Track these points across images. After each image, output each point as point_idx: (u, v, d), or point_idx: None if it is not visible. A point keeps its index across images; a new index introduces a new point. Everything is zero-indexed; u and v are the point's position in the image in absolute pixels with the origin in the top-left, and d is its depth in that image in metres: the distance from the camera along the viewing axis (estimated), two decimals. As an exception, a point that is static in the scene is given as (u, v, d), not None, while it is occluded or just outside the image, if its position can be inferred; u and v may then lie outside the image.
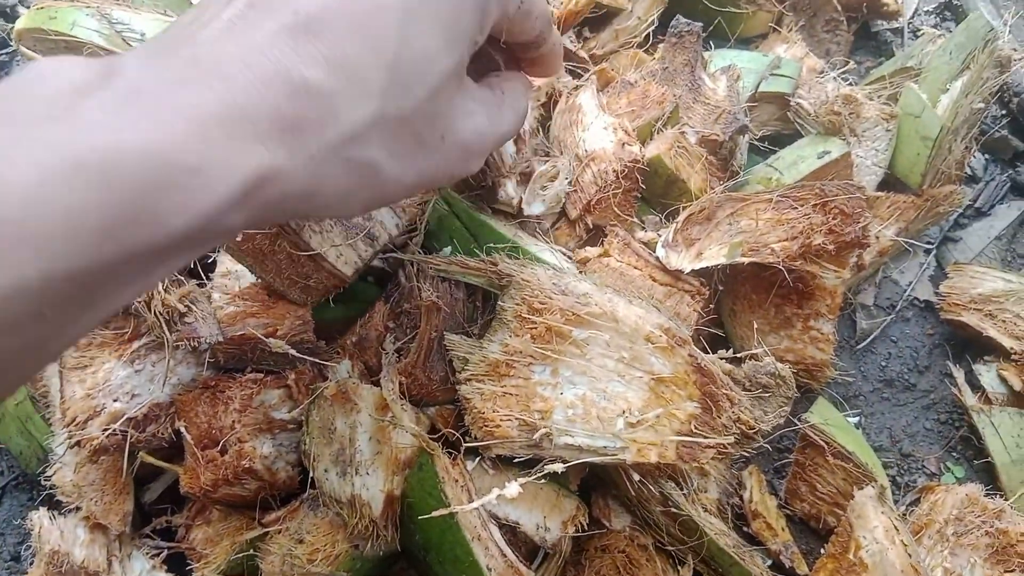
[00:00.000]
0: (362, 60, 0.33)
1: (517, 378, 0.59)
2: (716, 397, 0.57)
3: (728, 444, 0.56)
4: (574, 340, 0.59)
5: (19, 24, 0.66)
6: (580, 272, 0.66)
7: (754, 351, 0.63)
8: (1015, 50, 0.85)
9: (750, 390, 0.62)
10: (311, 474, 0.61)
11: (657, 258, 0.67)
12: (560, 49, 0.52)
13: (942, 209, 0.76)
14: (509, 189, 0.66)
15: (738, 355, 0.63)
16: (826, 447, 0.67)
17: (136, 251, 0.28)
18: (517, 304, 0.59)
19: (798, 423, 0.68)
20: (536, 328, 0.59)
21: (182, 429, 0.63)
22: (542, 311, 0.59)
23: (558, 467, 0.57)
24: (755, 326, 0.71)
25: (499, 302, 0.61)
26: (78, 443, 0.61)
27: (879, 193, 0.76)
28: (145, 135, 0.28)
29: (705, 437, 0.56)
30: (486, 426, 0.58)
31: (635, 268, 0.67)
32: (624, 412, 0.57)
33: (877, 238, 0.73)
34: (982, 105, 0.74)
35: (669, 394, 0.58)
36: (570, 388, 0.58)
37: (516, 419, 0.57)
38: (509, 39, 0.46)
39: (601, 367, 0.59)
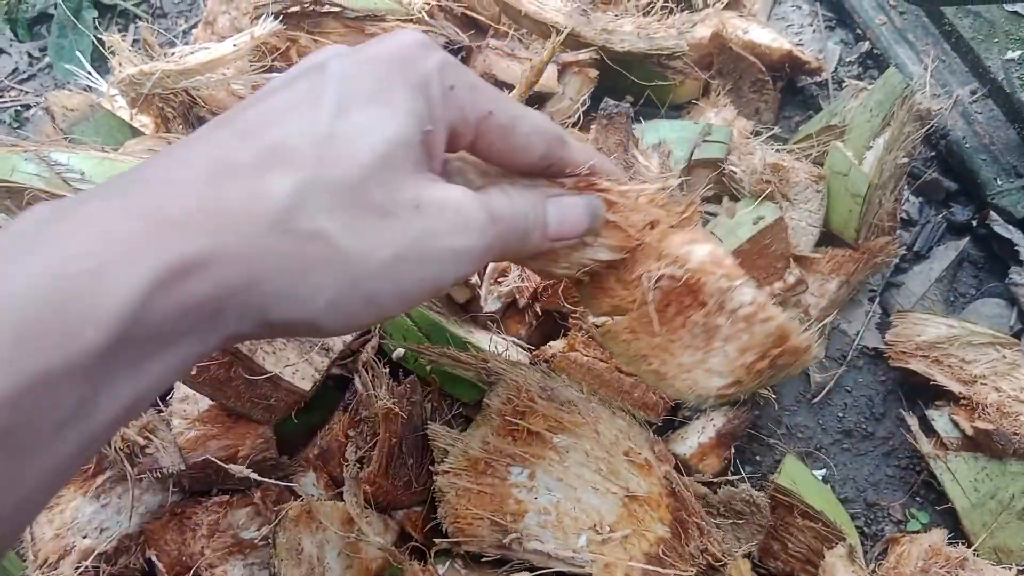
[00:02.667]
0: (290, 136, 0.32)
1: (494, 477, 0.60)
2: (687, 524, 0.58)
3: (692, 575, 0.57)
4: (554, 446, 0.60)
5: (-40, 171, 0.67)
6: (535, 363, 0.68)
7: (731, 478, 0.64)
8: (936, 96, 0.88)
9: (724, 515, 0.63)
10: (283, 596, 0.61)
11: None
12: (608, 172, 0.45)
13: (879, 260, 0.78)
14: (490, 304, 0.69)
15: (715, 480, 0.64)
16: (795, 507, 0.69)
17: (55, 369, 0.26)
18: (503, 403, 0.61)
19: (766, 484, 0.69)
20: (518, 430, 0.60)
21: (154, 558, 0.63)
22: (526, 413, 0.60)
23: None
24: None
25: (485, 399, 0.62)
26: (50, 587, 0.61)
27: (817, 253, 0.78)
28: (44, 256, 0.27)
29: (672, 564, 0.57)
30: (458, 522, 0.59)
31: (601, 361, 0.68)
32: (594, 526, 0.58)
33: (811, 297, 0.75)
34: (906, 160, 0.77)
35: (641, 513, 0.59)
36: (545, 494, 0.59)
37: (488, 519, 0.58)
38: (504, 162, 0.41)
39: (578, 476, 0.60)
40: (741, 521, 0.62)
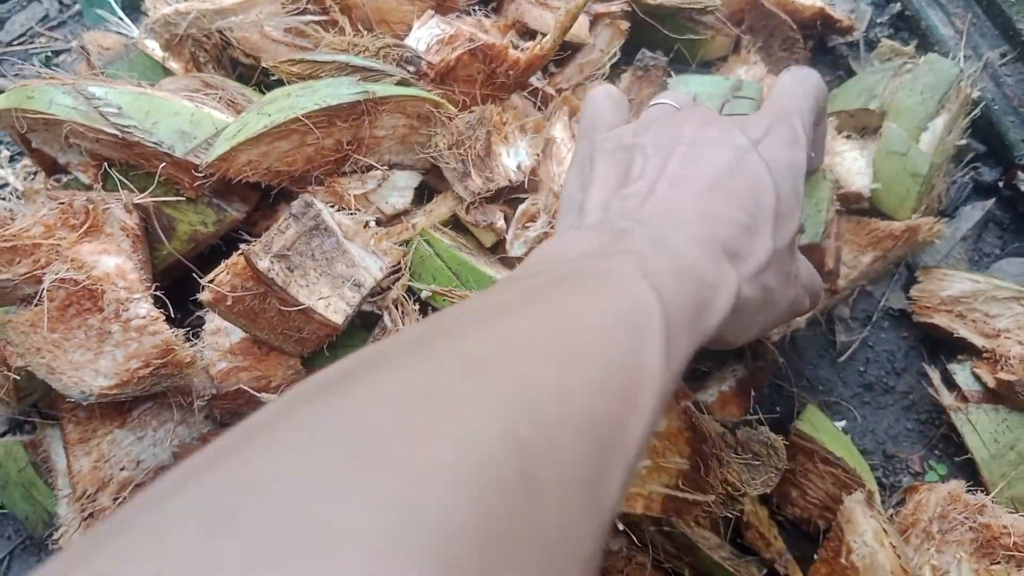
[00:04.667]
0: (761, 211, 0.44)
1: None
2: (706, 456, 0.59)
3: (713, 504, 0.58)
4: None
5: (-2, 104, 0.68)
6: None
7: (748, 418, 0.65)
8: (968, 58, 0.88)
9: (740, 455, 0.64)
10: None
11: None
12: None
13: (921, 238, 0.78)
14: (516, 249, 0.69)
15: (735, 421, 0.65)
16: (815, 453, 0.69)
17: (697, 342, 0.37)
18: None
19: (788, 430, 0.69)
20: None
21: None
22: None
23: None
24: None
25: None
26: (91, 515, 0.62)
27: (864, 218, 0.79)
28: (692, 262, 0.39)
29: (691, 494, 0.58)
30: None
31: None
32: None
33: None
34: (964, 142, 0.78)
35: (661, 448, 0.59)
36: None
37: None
38: None
39: None
40: (757, 462, 0.63)
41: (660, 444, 0.59)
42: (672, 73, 0.85)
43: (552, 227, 0.71)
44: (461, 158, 0.70)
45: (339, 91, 0.66)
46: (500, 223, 0.71)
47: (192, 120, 0.67)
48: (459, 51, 0.71)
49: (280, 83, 0.72)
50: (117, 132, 0.65)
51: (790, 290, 0.48)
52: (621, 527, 0.62)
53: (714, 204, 0.44)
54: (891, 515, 0.69)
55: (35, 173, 0.85)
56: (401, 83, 0.70)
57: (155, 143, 0.65)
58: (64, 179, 0.75)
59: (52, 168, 0.74)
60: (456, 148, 0.70)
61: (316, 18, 0.77)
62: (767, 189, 0.46)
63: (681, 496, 0.58)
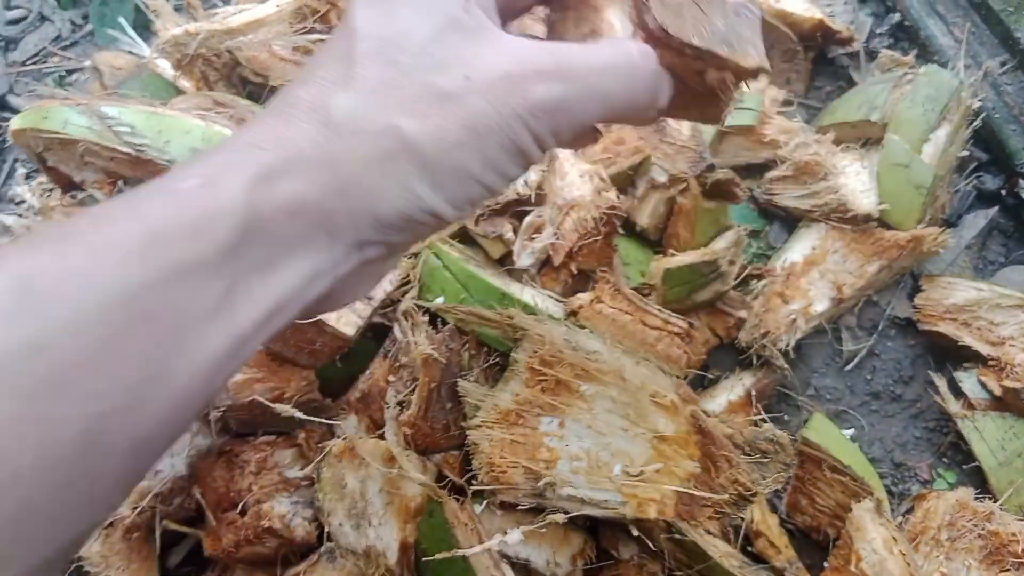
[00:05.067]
0: (336, 44, 0.35)
1: (525, 427, 0.61)
2: (715, 458, 0.60)
3: (725, 503, 0.58)
4: (582, 394, 0.61)
5: (14, 124, 0.69)
6: (569, 317, 0.69)
7: (753, 417, 0.66)
8: (967, 67, 0.89)
9: (749, 454, 0.64)
10: (327, 528, 0.63)
11: (647, 303, 0.70)
12: None
13: (927, 248, 0.78)
14: (523, 259, 0.70)
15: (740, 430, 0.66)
16: (823, 462, 0.70)
17: (187, 261, 0.29)
18: (529, 356, 0.62)
19: (796, 439, 0.70)
20: (547, 380, 0.61)
21: (197, 495, 0.65)
22: (553, 364, 0.61)
23: (559, 518, 0.59)
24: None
25: (512, 354, 0.63)
26: (111, 524, 0.63)
27: (873, 226, 0.79)
28: (161, 188, 0.31)
29: (704, 491, 0.58)
30: (493, 471, 0.60)
31: (626, 313, 0.70)
32: (626, 468, 0.59)
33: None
34: (966, 153, 0.80)
35: (670, 452, 0.60)
36: (576, 441, 0.61)
37: (522, 466, 0.60)
38: None
39: (606, 423, 0.61)
40: (765, 460, 0.64)
41: (669, 449, 0.60)
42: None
43: (557, 238, 0.72)
44: (469, 172, 0.71)
45: (348, 107, 0.67)
46: (509, 234, 0.72)
47: (203, 138, 0.68)
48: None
49: (290, 100, 0.73)
50: (131, 151, 0.66)
51: (454, 108, 0.34)
52: (635, 533, 0.62)
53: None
54: (900, 523, 0.70)
55: (51, 190, 0.86)
56: (409, 99, 0.71)
57: (168, 161, 0.67)
58: (80, 196, 0.76)
59: (68, 185, 0.75)
60: (464, 162, 0.71)
61: (322, 36, 0.78)
62: (341, 41, 0.35)
63: (693, 494, 0.59)
